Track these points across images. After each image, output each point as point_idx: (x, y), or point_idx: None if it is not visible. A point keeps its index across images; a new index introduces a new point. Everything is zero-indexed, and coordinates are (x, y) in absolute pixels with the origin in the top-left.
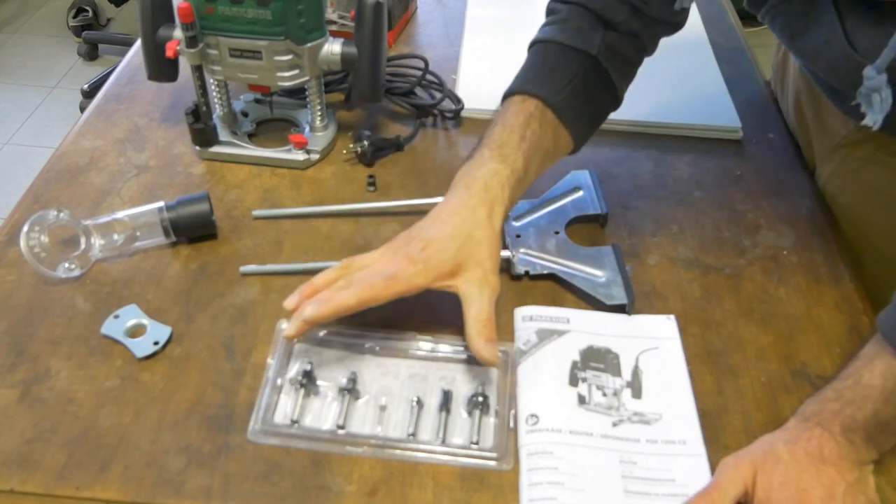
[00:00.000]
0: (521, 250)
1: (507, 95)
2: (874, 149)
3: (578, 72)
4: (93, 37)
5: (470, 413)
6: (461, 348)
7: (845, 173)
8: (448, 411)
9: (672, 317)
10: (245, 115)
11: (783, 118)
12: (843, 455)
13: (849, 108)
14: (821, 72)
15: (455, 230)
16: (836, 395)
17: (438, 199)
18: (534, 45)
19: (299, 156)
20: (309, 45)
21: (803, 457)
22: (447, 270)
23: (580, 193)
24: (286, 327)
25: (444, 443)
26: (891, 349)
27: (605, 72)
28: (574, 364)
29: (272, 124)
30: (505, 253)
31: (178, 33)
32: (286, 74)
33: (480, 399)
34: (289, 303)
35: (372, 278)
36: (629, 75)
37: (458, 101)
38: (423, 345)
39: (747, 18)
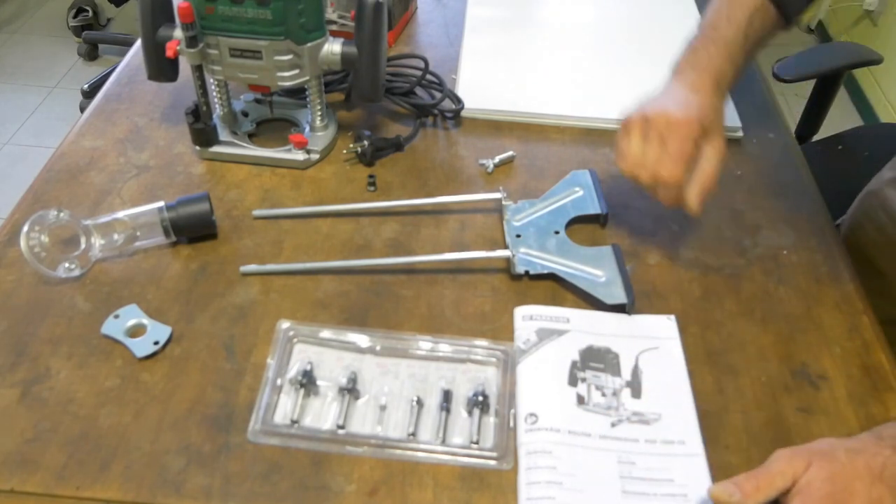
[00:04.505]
0: (521, 250)
1: None
2: None
3: None
4: (93, 37)
5: (470, 412)
6: (461, 348)
7: None
8: (448, 411)
9: (672, 317)
10: (245, 114)
11: (783, 118)
12: None
13: None
14: None
15: None
16: None
17: (439, 199)
18: None
19: (299, 156)
20: (309, 44)
21: (862, 467)
22: None
23: (580, 193)
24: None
25: (444, 442)
26: None
27: None
28: (574, 364)
29: (272, 124)
30: (505, 252)
31: (178, 33)
32: (286, 74)
33: (480, 398)
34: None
35: None
36: None
37: (458, 101)
38: (423, 345)
39: None
